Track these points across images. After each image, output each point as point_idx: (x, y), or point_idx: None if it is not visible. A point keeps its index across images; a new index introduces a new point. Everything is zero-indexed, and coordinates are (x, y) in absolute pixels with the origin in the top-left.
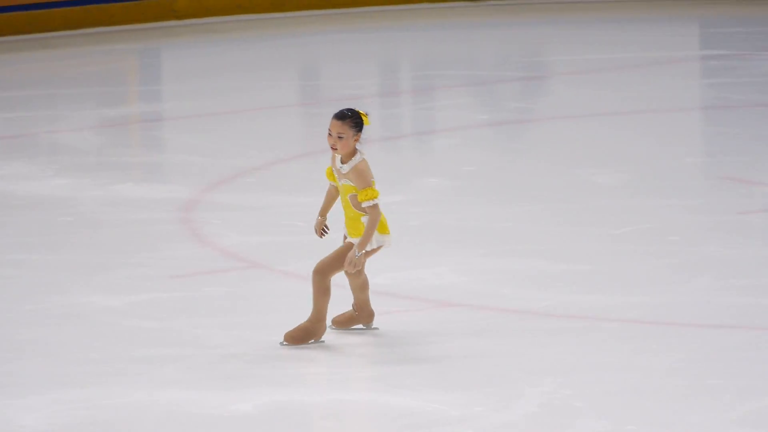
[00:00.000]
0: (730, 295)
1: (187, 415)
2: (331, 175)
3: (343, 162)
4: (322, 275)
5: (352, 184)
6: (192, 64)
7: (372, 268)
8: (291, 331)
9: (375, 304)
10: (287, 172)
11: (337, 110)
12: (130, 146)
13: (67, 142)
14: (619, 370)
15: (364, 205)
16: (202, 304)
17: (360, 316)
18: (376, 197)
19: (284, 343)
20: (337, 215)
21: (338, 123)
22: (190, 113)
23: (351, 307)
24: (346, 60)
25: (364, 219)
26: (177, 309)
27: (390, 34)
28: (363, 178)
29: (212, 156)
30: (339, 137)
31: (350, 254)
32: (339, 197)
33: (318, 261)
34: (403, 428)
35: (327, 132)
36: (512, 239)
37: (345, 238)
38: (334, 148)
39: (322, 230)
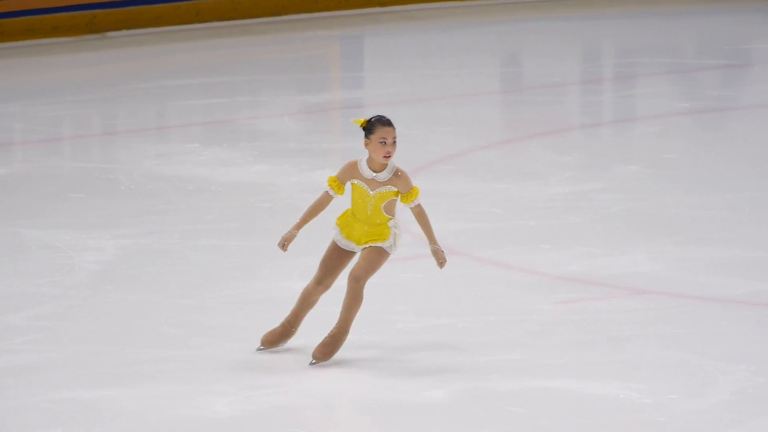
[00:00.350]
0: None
1: (377, 401)
2: (340, 187)
3: (375, 169)
4: (360, 282)
5: (393, 190)
6: (394, 50)
7: (568, 255)
8: (319, 348)
9: (571, 290)
10: (486, 159)
11: (383, 115)
12: (330, 132)
13: (268, 128)
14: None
15: (413, 204)
16: (399, 289)
17: (291, 332)
18: (419, 193)
19: (313, 362)
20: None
21: (393, 129)
22: (390, 100)
23: (282, 324)
24: (546, 47)
25: (391, 223)
26: (372, 294)
27: (590, 21)
28: (408, 180)
29: (411, 142)
30: (394, 143)
31: (441, 253)
32: (353, 208)
33: (353, 268)
34: (595, 415)
35: (375, 141)
36: (710, 227)
37: (336, 244)
38: (388, 157)
39: (285, 246)
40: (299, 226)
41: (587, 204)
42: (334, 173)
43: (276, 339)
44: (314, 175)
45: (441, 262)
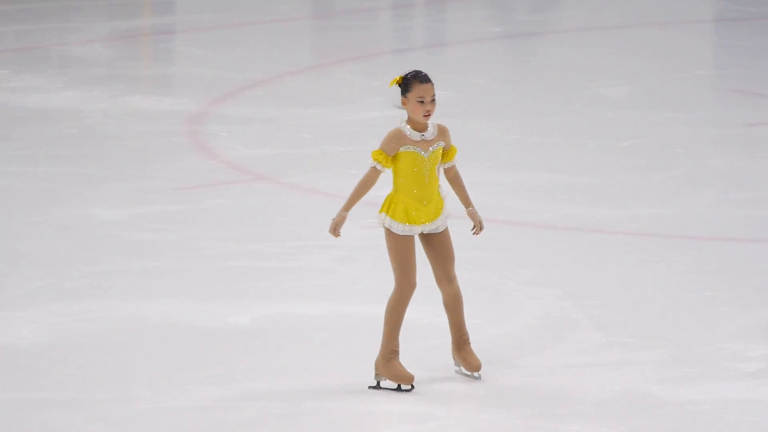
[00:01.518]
0: (734, 208)
1: (183, 328)
2: (387, 160)
3: (419, 130)
4: (456, 280)
5: (442, 146)
6: None
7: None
8: (469, 361)
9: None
10: (296, 84)
11: (415, 72)
12: (140, 59)
13: (78, 55)
14: (620, 282)
15: (453, 162)
16: (206, 216)
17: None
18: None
19: (477, 375)
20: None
21: (431, 86)
22: (202, 26)
23: (393, 353)
24: None
25: (441, 190)
26: (179, 221)
27: None
28: (450, 136)
29: (222, 68)
30: (432, 100)
31: (478, 217)
32: (406, 184)
33: (443, 270)
34: (402, 340)
35: (413, 99)
36: (518, 152)
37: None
38: (428, 115)
39: (337, 230)
40: (348, 207)
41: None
42: (145, 99)
43: (403, 369)
44: (123, 101)
45: (478, 225)
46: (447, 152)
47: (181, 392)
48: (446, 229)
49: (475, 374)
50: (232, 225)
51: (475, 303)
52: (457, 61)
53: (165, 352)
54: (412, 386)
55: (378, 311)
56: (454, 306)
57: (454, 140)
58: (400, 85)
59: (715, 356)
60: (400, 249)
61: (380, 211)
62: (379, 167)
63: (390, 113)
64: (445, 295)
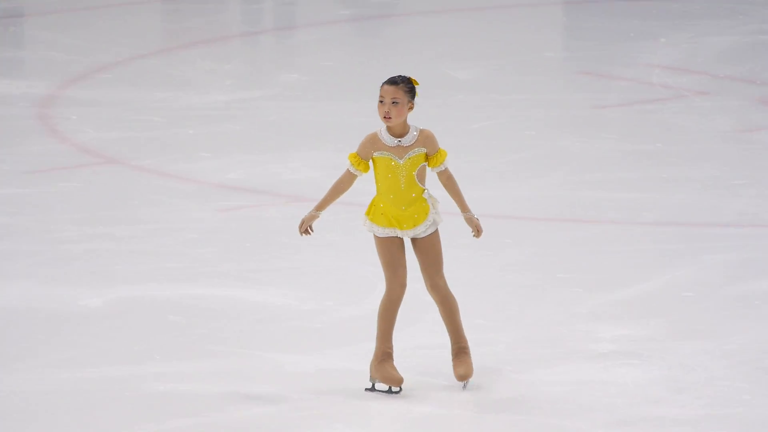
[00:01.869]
0: (584, 190)
1: (35, 311)
2: (361, 163)
3: (396, 135)
4: (441, 284)
5: (423, 152)
6: None
7: (227, 163)
8: (461, 367)
9: (230, 198)
10: (145, 67)
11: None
12: None
13: None
14: (472, 265)
15: (442, 168)
16: (57, 199)
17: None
18: (447, 155)
19: (465, 383)
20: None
21: (391, 88)
22: (50, 9)
23: (384, 354)
24: None
25: (425, 194)
26: (30, 204)
27: None
28: (435, 140)
29: (71, 52)
30: (394, 103)
31: (476, 221)
32: (382, 189)
33: (426, 277)
34: (255, 323)
35: (378, 101)
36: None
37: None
38: (387, 117)
39: (308, 229)
40: (321, 207)
41: (247, 112)
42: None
43: (394, 371)
44: None
45: (477, 230)
46: (433, 157)
47: (34, 375)
48: (433, 234)
49: (463, 383)
50: (84, 208)
51: (325, 286)
52: (306, 44)
53: (17, 335)
54: (400, 389)
55: (232, 293)
56: (443, 312)
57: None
58: None
59: (567, 337)
60: (384, 250)
61: (365, 214)
62: (352, 170)
63: (240, 95)
64: (435, 302)
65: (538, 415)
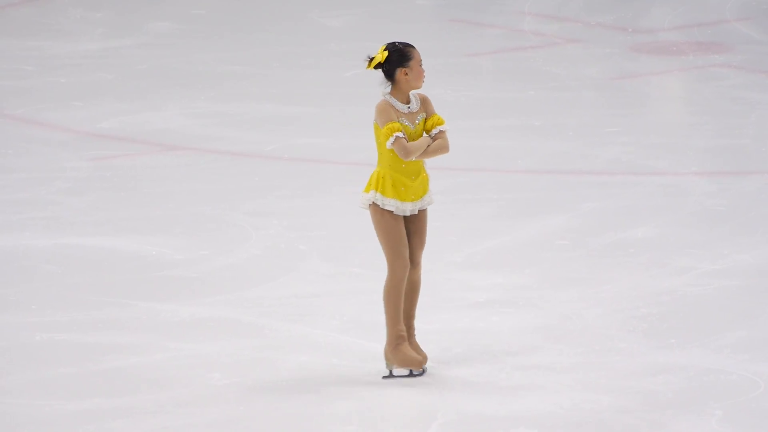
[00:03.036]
0: (459, 138)
1: None
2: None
3: (405, 102)
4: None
5: (423, 117)
6: None
7: (100, 112)
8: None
9: (103, 146)
10: (16, 16)
11: (390, 42)
12: None
13: None
14: (347, 213)
15: (443, 128)
16: None
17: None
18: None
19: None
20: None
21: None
22: None
23: (400, 336)
24: None
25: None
26: None
27: None
28: (431, 104)
29: None
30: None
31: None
32: (395, 158)
33: (414, 254)
34: (130, 272)
35: (416, 68)
36: (241, 83)
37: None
38: (423, 81)
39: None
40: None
41: (118, 61)
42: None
43: (411, 353)
44: None
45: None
46: (432, 119)
47: None
48: (425, 212)
49: (414, 371)
50: None
51: (200, 235)
52: None
53: None
54: (424, 370)
55: (106, 243)
56: (410, 293)
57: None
58: (389, 61)
59: (443, 286)
60: (391, 229)
61: (366, 190)
62: (401, 135)
63: (112, 44)
64: (407, 279)
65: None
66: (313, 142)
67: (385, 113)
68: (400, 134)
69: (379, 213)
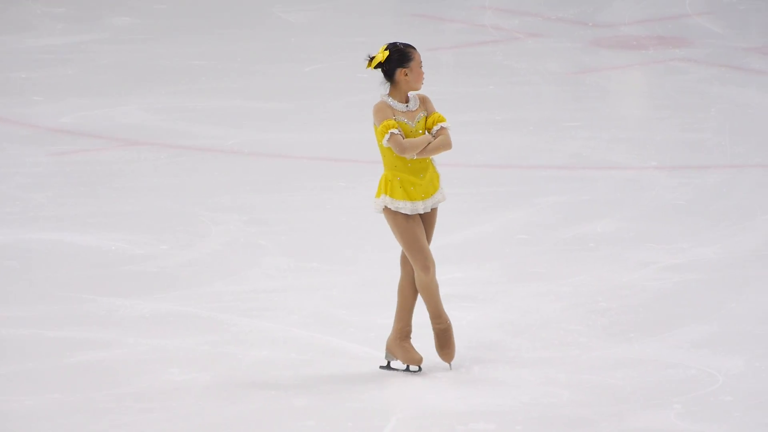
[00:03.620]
0: None
1: None
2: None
3: (403, 101)
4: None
5: (424, 115)
6: None
7: (61, 107)
8: (450, 352)
9: (65, 141)
10: None
11: (392, 42)
12: None
13: None
14: (306, 208)
15: (444, 125)
16: None
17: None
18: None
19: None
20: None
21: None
22: None
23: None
24: None
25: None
26: None
27: None
28: (431, 103)
29: None
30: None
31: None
32: (398, 160)
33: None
34: (90, 267)
35: (416, 68)
36: (202, 78)
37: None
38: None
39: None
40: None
41: (80, 56)
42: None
43: (415, 352)
44: None
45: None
46: (432, 117)
47: None
48: (436, 209)
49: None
50: None
51: (160, 230)
52: None
53: None
54: (420, 368)
55: (67, 238)
56: (415, 292)
57: None
58: (389, 60)
59: None
60: (405, 228)
61: (377, 195)
62: (396, 132)
63: (73, 39)
64: (409, 279)
65: (372, 360)
66: (274, 137)
67: (381, 113)
68: (396, 131)
69: (392, 216)
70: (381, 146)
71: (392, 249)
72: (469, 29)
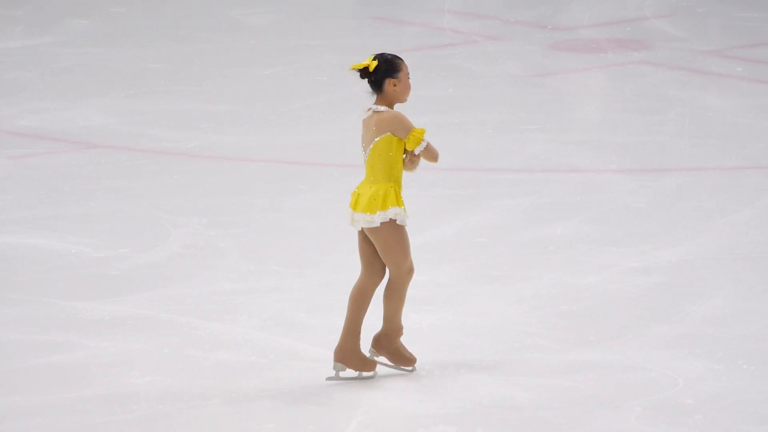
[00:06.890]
0: None
1: None
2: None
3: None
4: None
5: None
6: None
7: (19, 110)
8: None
9: (23, 145)
10: None
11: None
12: None
13: None
14: (266, 211)
15: (418, 150)
16: None
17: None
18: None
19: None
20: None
21: None
22: None
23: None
24: None
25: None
26: None
27: None
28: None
29: None
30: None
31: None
32: (399, 170)
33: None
34: (50, 270)
35: (405, 80)
36: (160, 81)
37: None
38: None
39: None
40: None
41: (38, 58)
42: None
43: (407, 352)
44: None
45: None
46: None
47: None
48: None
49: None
50: None
51: (120, 233)
52: None
53: None
54: (414, 368)
55: (26, 241)
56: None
57: None
58: (377, 70)
59: None
60: (406, 238)
61: (383, 209)
62: (427, 137)
63: (31, 42)
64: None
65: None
66: (233, 140)
67: (406, 120)
68: (426, 136)
69: (396, 228)
70: (390, 157)
71: (352, 252)
72: (428, 32)
